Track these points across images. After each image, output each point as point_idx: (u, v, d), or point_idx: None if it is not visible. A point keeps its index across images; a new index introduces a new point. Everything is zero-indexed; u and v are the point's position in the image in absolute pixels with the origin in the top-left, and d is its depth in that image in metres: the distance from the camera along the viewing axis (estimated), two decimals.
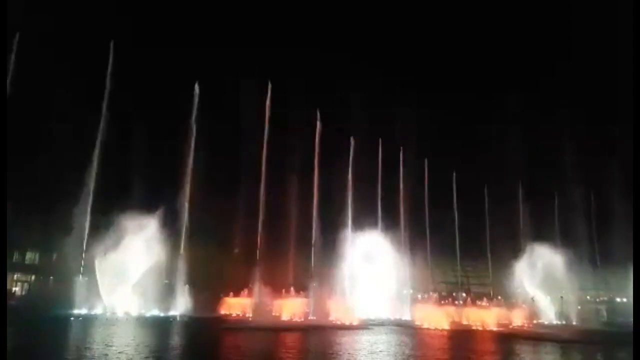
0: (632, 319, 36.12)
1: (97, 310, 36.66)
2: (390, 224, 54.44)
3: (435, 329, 34.47)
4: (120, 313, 36.36)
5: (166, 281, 41.62)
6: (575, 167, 60.17)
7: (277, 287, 42.92)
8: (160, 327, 30.13)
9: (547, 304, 48.14)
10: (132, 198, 40.50)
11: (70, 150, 43.42)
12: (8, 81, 37.88)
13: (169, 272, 41.50)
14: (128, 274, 38.66)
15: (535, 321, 43.85)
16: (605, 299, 57.65)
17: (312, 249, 48.75)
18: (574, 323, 44.54)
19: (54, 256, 46.53)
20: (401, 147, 58.71)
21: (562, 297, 48.79)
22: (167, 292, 40.54)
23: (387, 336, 28.41)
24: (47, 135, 45.41)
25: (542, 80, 71.92)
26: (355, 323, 35.79)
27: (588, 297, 54.24)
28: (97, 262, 37.70)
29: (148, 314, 37.34)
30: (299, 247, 49.54)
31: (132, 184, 41.84)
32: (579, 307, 48.79)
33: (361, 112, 55.35)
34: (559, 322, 45.84)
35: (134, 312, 37.09)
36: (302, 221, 49.67)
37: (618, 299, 56.76)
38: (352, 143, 53.64)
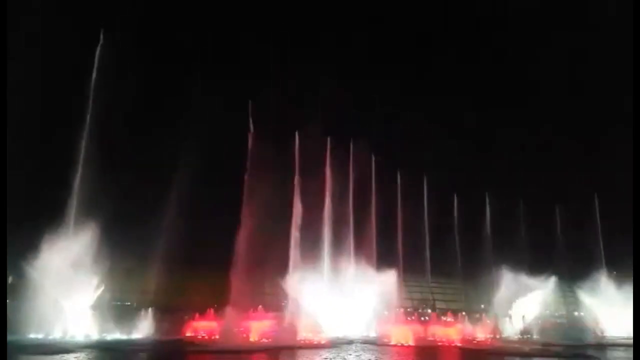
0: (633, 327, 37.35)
1: (56, 335, 35.26)
2: (361, 241, 55.02)
3: (402, 346, 34.83)
4: (80, 337, 35.04)
5: (128, 303, 40.53)
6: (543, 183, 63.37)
7: (247, 306, 42.46)
8: (122, 351, 29.23)
9: (509, 319, 49.59)
10: (96, 214, 39.22)
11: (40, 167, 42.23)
12: None
13: (131, 292, 40.37)
14: (85, 295, 37.57)
15: (498, 336, 44.91)
16: (564, 313, 59.74)
17: (289, 267, 48.54)
18: (535, 337, 45.88)
19: (10, 279, 44.55)
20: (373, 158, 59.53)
21: (523, 316, 50.51)
22: (130, 314, 39.45)
23: (354, 354, 28.49)
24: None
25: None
26: (323, 342, 35.74)
27: (547, 312, 56.05)
28: (50, 283, 36.29)
29: (109, 338, 36.20)
30: (272, 265, 49.14)
31: (93, 199, 40.29)
32: (539, 322, 50.42)
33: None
34: (521, 337, 47.10)
35: (95, 336, 35.89)
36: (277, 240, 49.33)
37: (575, 313, 59.01)
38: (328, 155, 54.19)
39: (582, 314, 57.40)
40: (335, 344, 34.55)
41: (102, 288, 38.37)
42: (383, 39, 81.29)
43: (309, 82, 59.70)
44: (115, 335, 37.44)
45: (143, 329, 39.32)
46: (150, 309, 40.54)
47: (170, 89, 60.24)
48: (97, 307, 37.31)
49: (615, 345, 38.76)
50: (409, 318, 48.51)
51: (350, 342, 36.88)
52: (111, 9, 45.85)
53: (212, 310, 41.79)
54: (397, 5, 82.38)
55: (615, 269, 58.07)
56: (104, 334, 36.87)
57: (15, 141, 37.69)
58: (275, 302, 47.23)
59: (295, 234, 49.69)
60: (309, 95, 57.90)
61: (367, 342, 37.67)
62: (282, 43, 72.47)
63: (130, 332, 38.46)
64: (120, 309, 43.81)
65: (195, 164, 48.51)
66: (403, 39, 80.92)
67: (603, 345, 38.61)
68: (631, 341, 39.71)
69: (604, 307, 53.93)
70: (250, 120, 51.32)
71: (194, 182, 48.90)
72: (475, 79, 79.05)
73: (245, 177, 48.43)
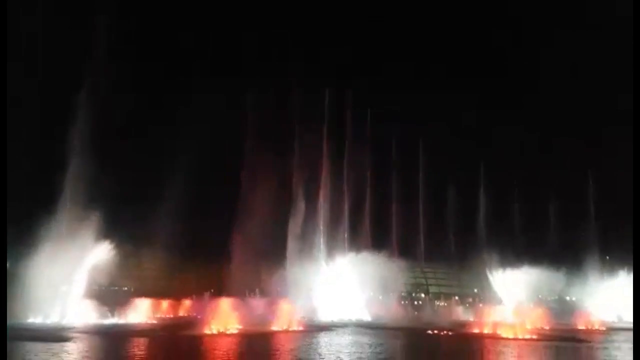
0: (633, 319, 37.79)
1: (53, 319, 35.67)
2: (357, 226, 55.60)
3: (394, 329, 35.35)
4: (77, 322, 35.41)
5: (125, 288, 40.93)
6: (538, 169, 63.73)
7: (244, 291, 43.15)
8: (120, 337, 29.55)
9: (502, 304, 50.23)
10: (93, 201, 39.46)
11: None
12: None
13: (124, 277, 40.69)
14: (80, 280, 37.94)
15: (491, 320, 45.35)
16: (556, 297, 60.33)
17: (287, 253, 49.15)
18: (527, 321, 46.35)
19: (8, 264, 44.87)
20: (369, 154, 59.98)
21: (516, 300, 51.10)
22: (125, 299, 39.85)
23: (347, 337, 29.01)
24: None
25: None
26: (318, 325, 36.27)
27: (539, 297, 56.64)
28: (47, 268, 36.63)
29: (107, 322, 36.63)
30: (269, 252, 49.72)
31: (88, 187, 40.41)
32: (531, 306, 50.95)
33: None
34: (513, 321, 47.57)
35: (92, 321, 36.31)
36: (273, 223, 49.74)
37: (567, 298, 59.68)
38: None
39: (574, 298, 58.08)
40: (329, 327, 35.12)
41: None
42: (382, 38, 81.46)
43: (309, 81, 59.76)
44: (113, 320, 37.89)
45: (140, 313, 39.80)
46: (146, 295, 40.97)
47: (169, 88, 60.50)
48: (93, 291, 37.71)
49: (606, 329, 39.32)
50: (402, 302, 49.22)
51: (344, 326, 37.47)
52: (111, 8, 45.57)
53: (208, 294, 42.30)
54: (397, 5, 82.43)
55: (608, 254, 58.65)
56: (101, 319, 37.29)
57: (14, 140, 37.99)
58: (271, 286, 47.74)
59: (295, 229, 50.17)
60: (309, 95, 58.05)
61: (360, 325, 38.25)
62: (282, 42, 72.36)
63: (127, 317, 38.90)
64: (118, 294, 44.29)
65: (193, 156, 49.03)
66: (402, 38, 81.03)
67: (594, 330, 39.19)
68: (622, 325, 40.51)
69: (596, 292, 54.56)
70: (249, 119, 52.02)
71: (191, 174, 49.33)
72: (474, 78, 79.46)
73: (243, 173, 49.16)
